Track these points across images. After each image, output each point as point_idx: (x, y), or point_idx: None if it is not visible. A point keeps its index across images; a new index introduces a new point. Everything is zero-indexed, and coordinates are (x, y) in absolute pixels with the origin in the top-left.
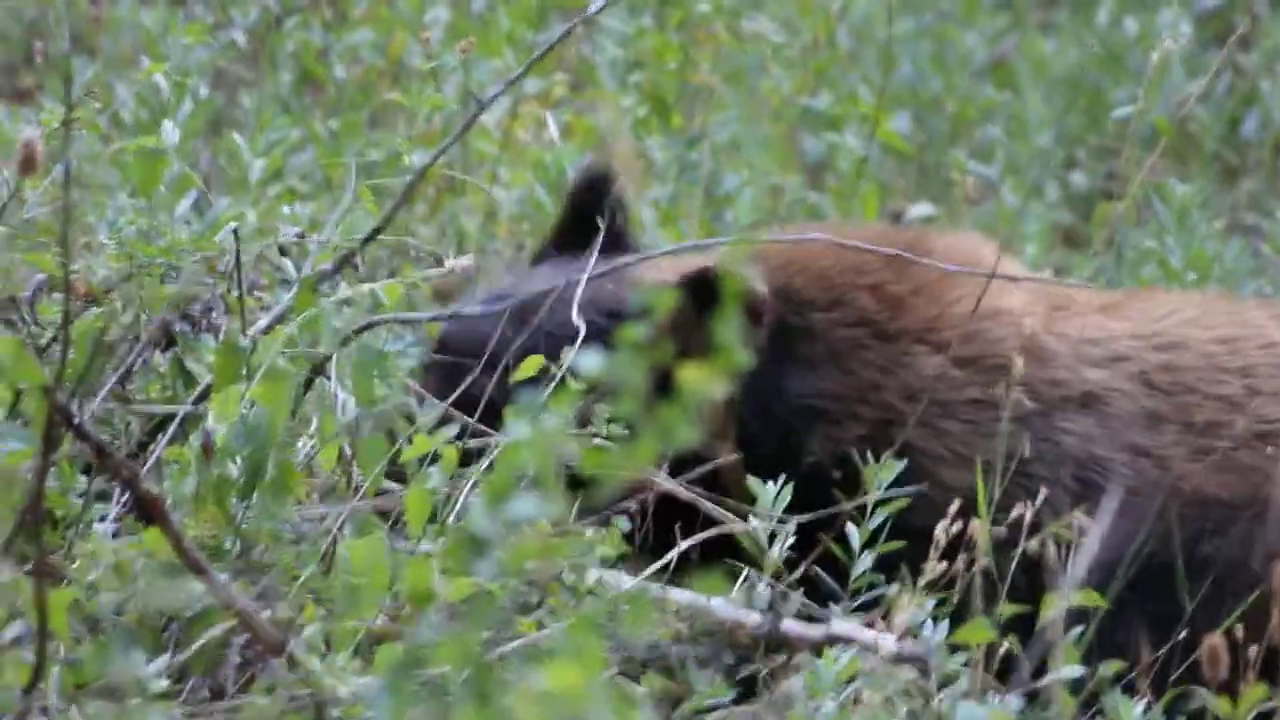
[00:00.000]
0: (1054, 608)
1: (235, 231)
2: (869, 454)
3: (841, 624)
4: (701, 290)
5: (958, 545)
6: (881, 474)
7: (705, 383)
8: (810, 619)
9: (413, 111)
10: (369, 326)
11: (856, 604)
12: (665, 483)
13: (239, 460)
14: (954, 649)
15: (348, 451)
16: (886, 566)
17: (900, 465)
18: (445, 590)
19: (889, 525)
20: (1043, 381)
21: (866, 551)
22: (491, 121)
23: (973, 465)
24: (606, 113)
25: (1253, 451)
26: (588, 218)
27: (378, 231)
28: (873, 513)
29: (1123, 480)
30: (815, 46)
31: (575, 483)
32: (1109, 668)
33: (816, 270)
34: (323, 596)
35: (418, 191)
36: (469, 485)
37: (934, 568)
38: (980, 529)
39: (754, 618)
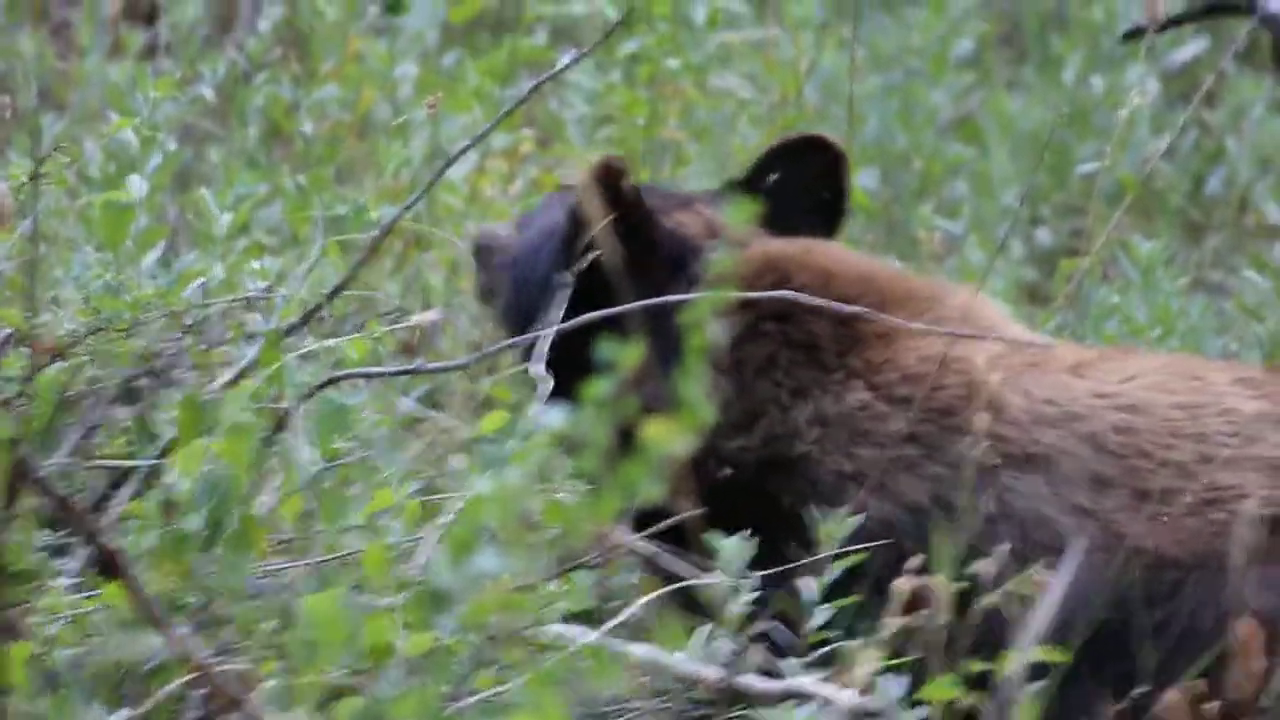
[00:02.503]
0: (1013, 664)
1: (202, 287)
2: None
3: (800, 679)
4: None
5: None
6: (837, 531)
7: (667, 439)
8: (769, 673)
9: (380, 166)
10: (333, 381)
11: (811, 659)
12: (627, 537)
13: (200, 514)
14: (915, 704)
15: (309, 506)
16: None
17: (857, 521)
18: (406, 645)
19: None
20: (992, 436)
21: (823, 606)
22: (458, 176)
23: (892, 497)
24: (574, 168)
25: (1202, 518)
26: (777, 181)
27: (343, 286)
28: (827, 565)
29: (1068, 541)
30: (783, 103)
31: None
32: None
33: (809, 276)
34: (282, 651)
35: (384, 246)
36: (431, 539)
37: (894, 622)
38: (941, 584)
39: (713, 672)
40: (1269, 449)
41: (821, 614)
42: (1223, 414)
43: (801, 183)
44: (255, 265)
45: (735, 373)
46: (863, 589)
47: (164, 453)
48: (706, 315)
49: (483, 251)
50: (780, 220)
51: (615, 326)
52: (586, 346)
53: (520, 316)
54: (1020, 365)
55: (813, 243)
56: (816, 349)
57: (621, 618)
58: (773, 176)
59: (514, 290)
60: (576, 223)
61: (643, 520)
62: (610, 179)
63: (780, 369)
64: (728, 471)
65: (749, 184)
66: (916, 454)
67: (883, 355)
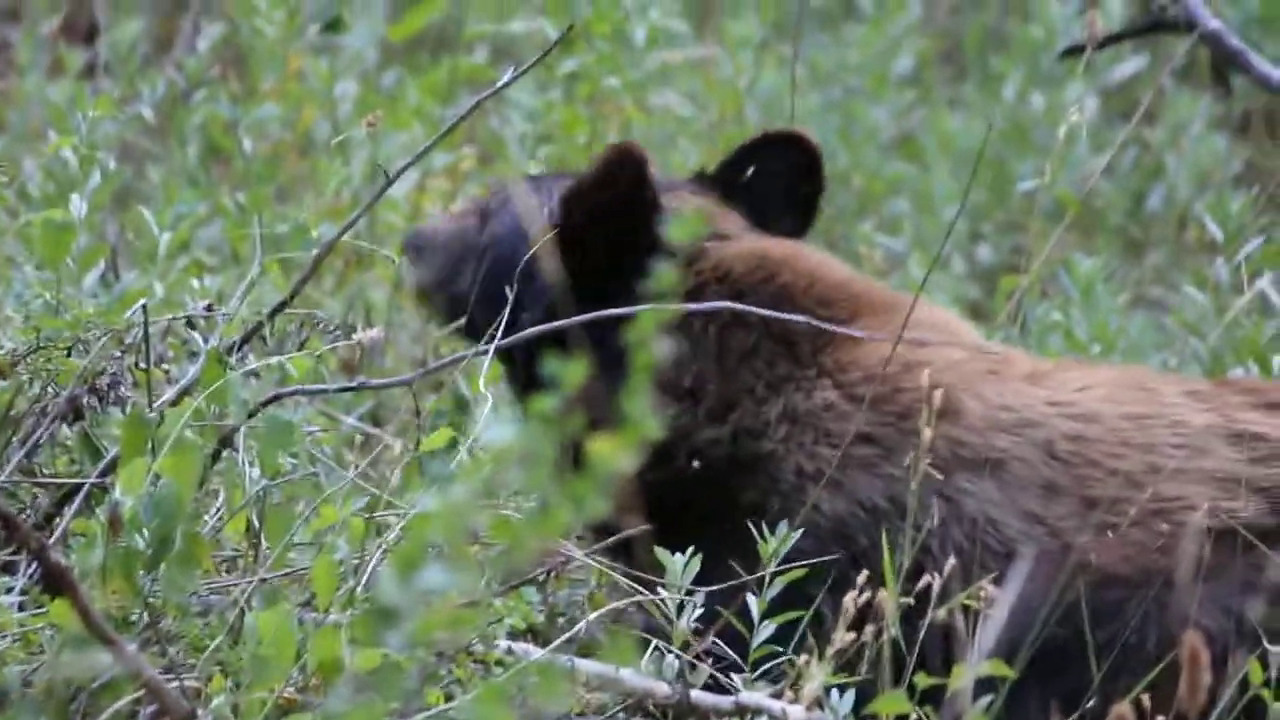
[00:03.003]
0: (962, 678)
1: (144, 306)
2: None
3: (750, 694)
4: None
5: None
6: (778, 546)
7: (615, 455)
8: (719, 689)
9: (320, 185)
10: (276, 398)
11: (757, 674)
12: (574, 553)
13: (146, 532)
14: (864, 718)
15: (255, 523)
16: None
17: (795, 535)
18: (354, 661)
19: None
20: (947, 439)
21: (766, 622)
22: (400, 194)
23: (846, 494)
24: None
25: (1149, 529)
26: (748, 175)
27: (284, 304)
28: (770, 583)
29: (1017, 546)
30: (722, 121)
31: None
32: None
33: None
34: (231, 667)
35: (326, 264)
36: (378, 555)
37: (842, 637)
38: (889, 598)
39: (663, 688)
40: (1216, 462)
41: (766, 630)
42: (1172, 426)
43: (778, 178)
44: (196, 284)
45: (719, 358)
46: (818, 587)
47: (108, 470)
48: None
49: (419, 248)
50: (755, 214)
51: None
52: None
53: (494, 307)
54: (980, 372)
55: (800, 246)
56: (794, 344)
57: (570, 634)
58: (749, 170)
59: (489, 279)
60: (573, 209)
61: (599, 531)
62: (634, 166)
63: (761, 359)
64: (696, 465)
65: (723, 176)
66: (873, 454)
67: (850, 355)
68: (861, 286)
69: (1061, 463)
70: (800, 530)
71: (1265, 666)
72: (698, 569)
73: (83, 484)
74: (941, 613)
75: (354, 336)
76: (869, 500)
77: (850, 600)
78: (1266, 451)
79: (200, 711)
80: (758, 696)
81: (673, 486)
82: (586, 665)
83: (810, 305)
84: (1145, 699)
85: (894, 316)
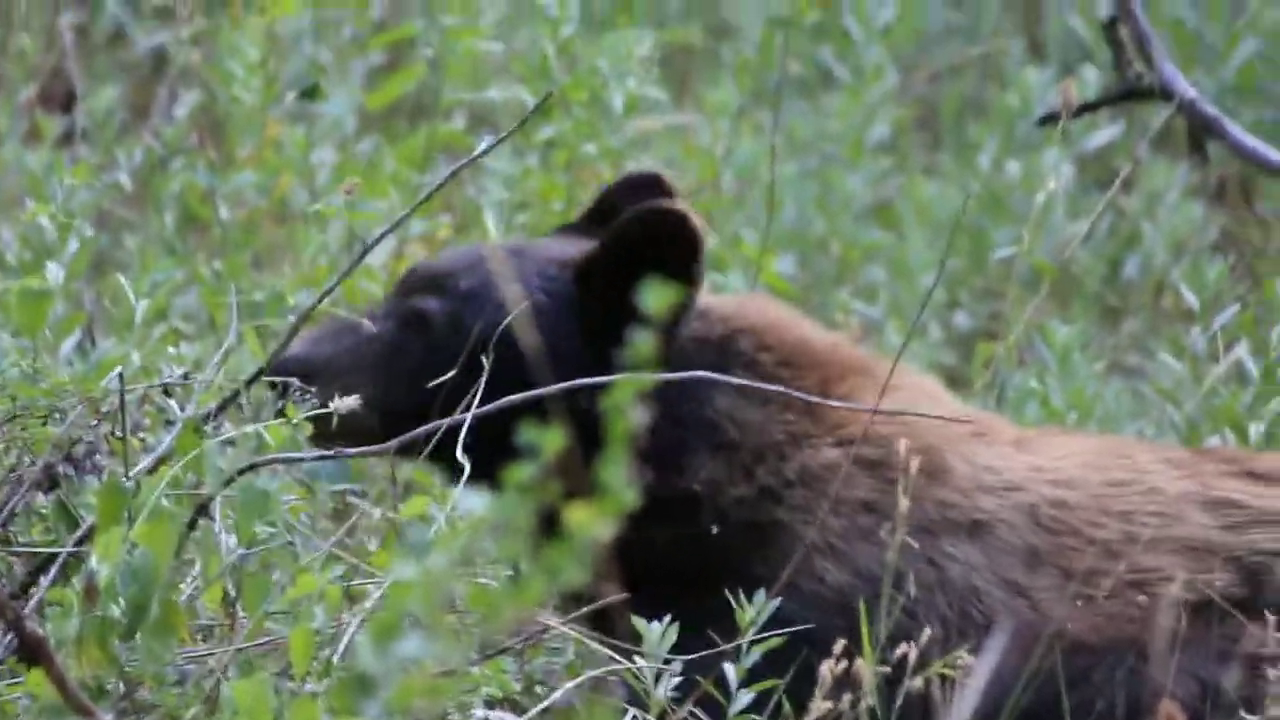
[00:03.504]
0: None
1: (120, 374)
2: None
3: None
4: (648, 225)
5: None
6: (755, 614)
7: (592, 523)
8: None
9: (298, 252)
10: (252, 467)
11: None
12: (551, 621)
13: (122, 601)
14: None
15: (231, 592)
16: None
17: (773, 605)
18: None
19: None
20: (935, 502)
21: (744, 691)
22: (377, 262)
23: (849, 565)
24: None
25: (1124, 600)
26: (612, 212)
27: (261, 372)
28: (748, 651)
29: (998, 617)
30: (700, 188)
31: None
32: None
33: (776, 334)
34: None
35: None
36: (355, 624)
37: (820, 707)
38: (866, 667)
39: None
40: (1190, 529)
41: (743, 698)
42: (1148, 493)
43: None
44: (172, 351)
45: (762, 406)
46: (821, 658)
47: (84, 539)
48: (628, 400)
49: (308, 376)
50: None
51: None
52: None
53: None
54: (965, 436)
55: (764, 304)
56: (810, 402)
57: (546, 703)
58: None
59: (446, 355)
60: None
61: (575, 599)
62: (691, 235)
63: (793, 409)
64: (715, 530)
65: (590, 222)
66: (872, 522)
67: (845, 415)
68: (845, 351)
69: (1045, 529)
70: (802, 602)
71: None
72: (679, 637)
73: (58, 553)
74: (918, 681)
75: (330, 405)
76: (868, 570)
77: (828, 668)
78: (1242, 519)
79: None
80: None
81: (683, 549)
82: None
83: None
84: None
85: (872, 379)
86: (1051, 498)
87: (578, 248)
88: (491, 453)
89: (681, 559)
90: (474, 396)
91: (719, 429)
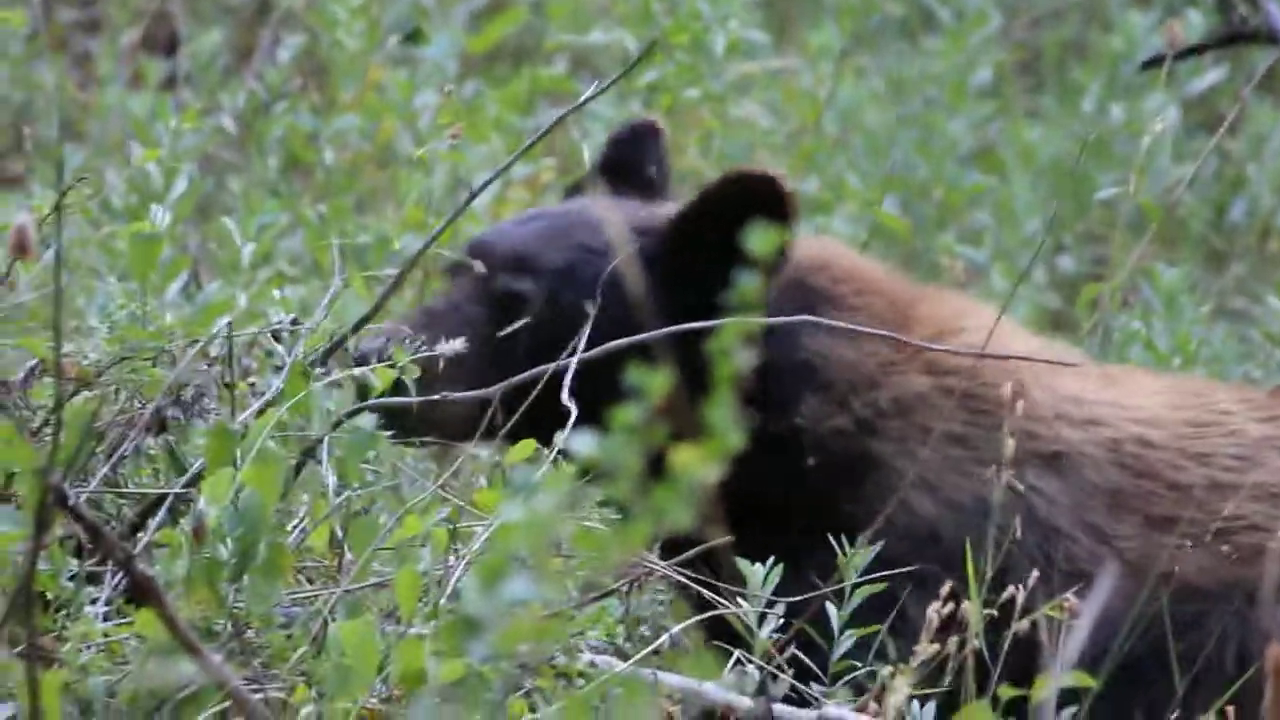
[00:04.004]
0: (1046, 689)
1: (229, 321)
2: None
3: (833, 707)
4: (739, 191)
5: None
6: (855, 560)
7: (697, 465)
8: (802, 701)
9: (401, 196)
10: (359, 410)
11: (839, 684)
12: (657, 564)
13: (230, 543)
14: None
15: (339, 533)
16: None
17: (874, 550)
18: (437, 672)
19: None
20: (1019, 432)
21: (847, 632)
22: (480, 206)
23: (940, 497)
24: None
25: (1219, 547)
26: (626, 165)
27: (368, 318)
28: (852, 595)
29: (1079, 562)
30: (802, 132)
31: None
32: None
33: (844, 266)
34: (314, 678)
35: (407, 277)
36: (461, 566)
37: (926, 649)
38: (973, 609)
39: (745, 701)
40: (1271, 474)
41: (846, 642)
42: (1229, 435)
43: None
44: (277, 295)
45: (851, 341)
46: (911, 594)
47: (193, 482)
48: (733, 342)
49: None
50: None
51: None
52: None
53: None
54: (1047, 367)
55: (816, 242)
56: (888, 324)
57: (652, 647)
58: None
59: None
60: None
61: (676, 544)
62: (784, 197)
63: (879, 339)
64: (811, 462)
65: (606, 174)
66: (964, 455)
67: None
68: (892, 273)
69: (1128, 470)
70: (895, 535)
71: None
72: (783, 578)
73: (168, 495)
74: (1025, 624)
75: (435, 349)
76: (959, 502)
77: (934, 611)
78: None
79: None
80: (840, 709)
81: (784, 486)
82: (669, 678)
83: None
84: (1229, 712)
85: (941, 302)
86: (1133, 435)
87: (634, 211)
88: (594, 410)
89: (782, 497)
90: (576, 347)
91: (814, 367)
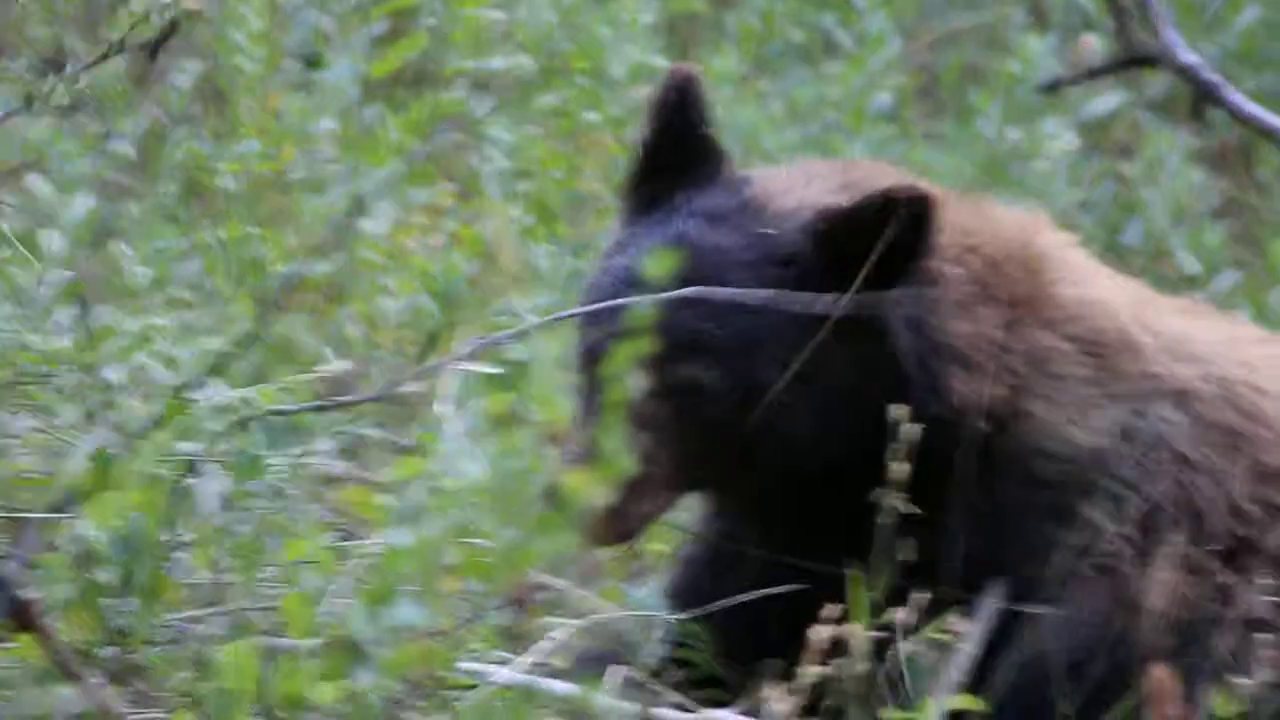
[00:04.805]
0: (930, 712)
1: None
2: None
3: (715, 714)
4: (881, 213)
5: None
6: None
7: (587, 490)
8: (684, 709)
9: (299, 220)
10: (242, 424)
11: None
12: (545, 579)
13: (114, 566)
14: None
15: (221, 556)
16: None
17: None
18: (320, 694)
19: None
20: (1140, 375)
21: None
22: (378, 231)
23: (1091, 427)
24: (493, 222)
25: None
26: (678, 135)
27: (255, 336)
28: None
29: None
30: None
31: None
32: None
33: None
34: (197, 701)
35: (302, 300)
36: (345, 588)
37: (810, 671)
38: (857, 632)
39: (629, 709)
40: None
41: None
42: None
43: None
44: (161, 322)
45: (967, 311)
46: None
47: (76, 505)
48: (624, 368)
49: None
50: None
51: None
52: None
53: None
54: (1135, 303)
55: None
56: (983, 284)
57: (535, 657)
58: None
59: None
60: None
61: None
62: (935, 216)
63: (994, 301)
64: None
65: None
66: (1097, 394)
67: (1029, 288)
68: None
69: (1243, 413)
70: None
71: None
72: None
73: (51, 517)
74: (909, 647)
75: (320, 368)
76: (1107, 428)
77: (818, 634)
78: None
79: None
80: (724, 715)
81: (945, 464)
82: (554, 686)
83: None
84: None
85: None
86: (1241, 377)
87: (756, 235)
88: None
89: (948, 474)
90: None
91: (951, 347)
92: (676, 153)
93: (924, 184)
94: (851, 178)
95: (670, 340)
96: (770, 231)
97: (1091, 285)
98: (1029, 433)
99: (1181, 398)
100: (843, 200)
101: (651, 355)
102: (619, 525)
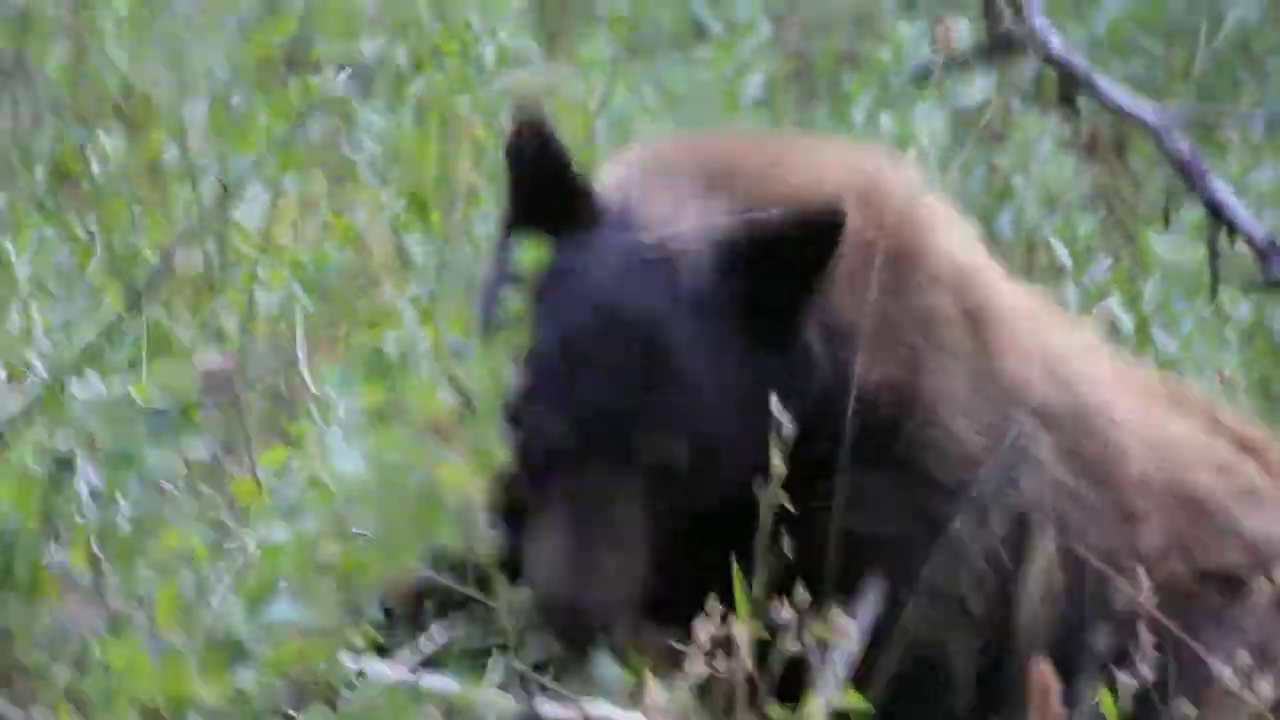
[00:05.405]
0: (814, 707)
1: None
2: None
3: (596, 705)
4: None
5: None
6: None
7: (465, 483)
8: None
9: (170, 208)
10: (120, 422)
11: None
12: (428, 575)
13: None
14: None
15: (99, 554)
16: None
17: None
18: (202, 692)
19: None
20: (1010, 375)
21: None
22: (251, 220)
23: (974, 425)
24: (366, 211)
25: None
26: (540, 180)
27: (119, 324)
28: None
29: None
30: (574, 142)
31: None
32: None
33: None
34: (79, 698)
35: (177, 290)
36: (225, 584)
37: (698, 664)
38: (741, 630)
39: (510, 702)
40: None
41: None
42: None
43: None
44: (38, 312)
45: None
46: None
47: None
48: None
49: None
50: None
51: None
52: None
53: None
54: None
55: None
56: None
57: (418, 653)
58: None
59: None
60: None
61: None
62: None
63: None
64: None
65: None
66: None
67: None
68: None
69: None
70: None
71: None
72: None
73: None
74: (793, 646)
75: (197, 360)
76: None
77: (705, 630)
78: None
79: None
80: (605, 707)
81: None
82: (434, 681)
83: None
84: None
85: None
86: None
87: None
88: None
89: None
90: None
91: (841, 327)
92: (542, 198)
93: (825, 197)
94: (714, 176)
95: (639, 423)
96: (681, 276)
97: (958, 237)
98: (924, 426)
99: (1043, 414)
100: (736, 220)
101: (614, 442)
102: (587, 619)
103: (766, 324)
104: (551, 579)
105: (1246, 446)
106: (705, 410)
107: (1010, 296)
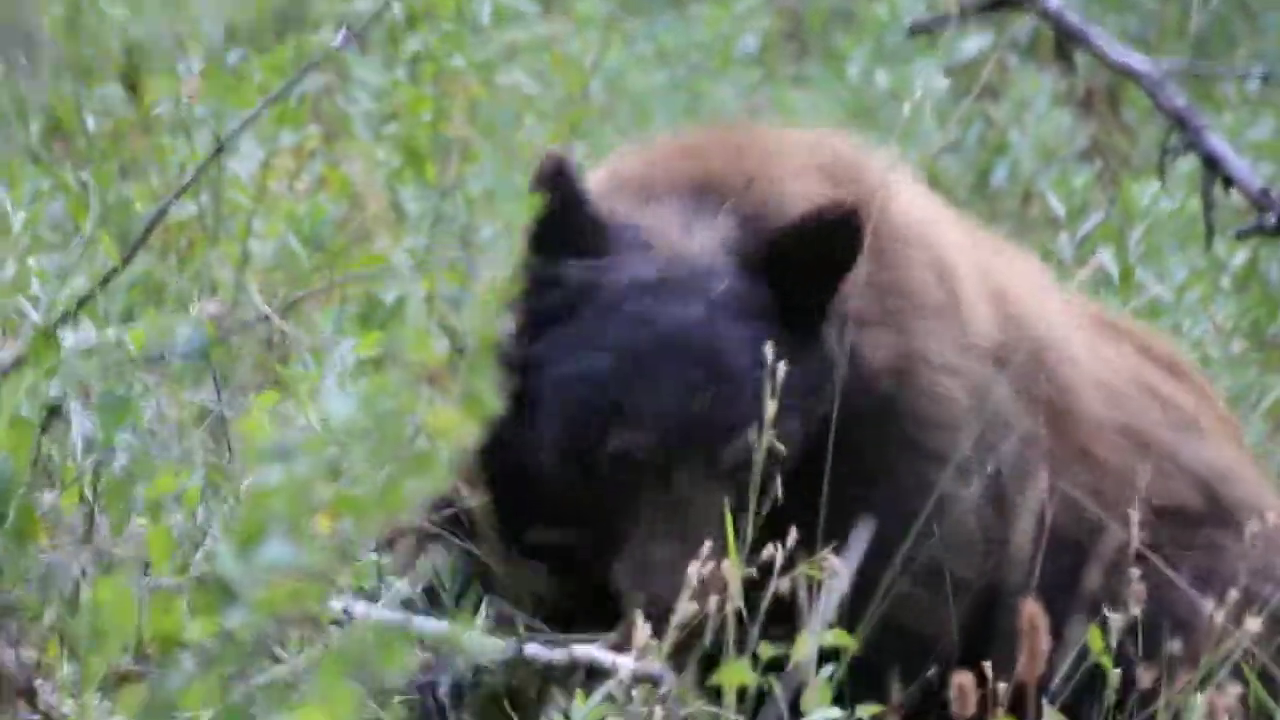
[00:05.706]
0: (805, 647)
1: None
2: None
3: (582, 648)
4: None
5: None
6: None
7: (456, 429)
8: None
9: (163, 162)
10: (113, 370)
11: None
12: (416, 523)
13: None
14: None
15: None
16: None
17: None
18: (193, 632)
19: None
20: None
21: None
22: (245, 173)
23: (958, 386)
24: (360, 165)
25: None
26: (564, 216)
27: (115, 272)
28: None
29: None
30: (569, 99)
31: None
32: None
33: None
34: (68, 638)
35: (173, 241)
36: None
37: (686, 608)
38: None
39: (499, 643)
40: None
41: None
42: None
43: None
44: (36, 261)
45: None
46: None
47: None
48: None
49: None
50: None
51: None
52: None
53: None
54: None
55: None
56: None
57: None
58: None
59: None
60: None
61: None
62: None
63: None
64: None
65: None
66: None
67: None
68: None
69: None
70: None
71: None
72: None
73: None
74: (785, 585)
75: (193, 309)
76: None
77: (696, 571)
78: None
79: (40, 682)
80: (590, 649)
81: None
82: (424, 624)
83: None
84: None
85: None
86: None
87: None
88: None
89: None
90: None
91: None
92: (566, 232)
93: (840, 201)
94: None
95: (718, 431)
96: (716, 290)
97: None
98: (917, 395)
99: (999, 357)
100: (754, 232)
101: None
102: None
103: (799, 324)
104: (662, 590)
105: (1176, 371)
106: (764, 411)
107: (961, 242)
